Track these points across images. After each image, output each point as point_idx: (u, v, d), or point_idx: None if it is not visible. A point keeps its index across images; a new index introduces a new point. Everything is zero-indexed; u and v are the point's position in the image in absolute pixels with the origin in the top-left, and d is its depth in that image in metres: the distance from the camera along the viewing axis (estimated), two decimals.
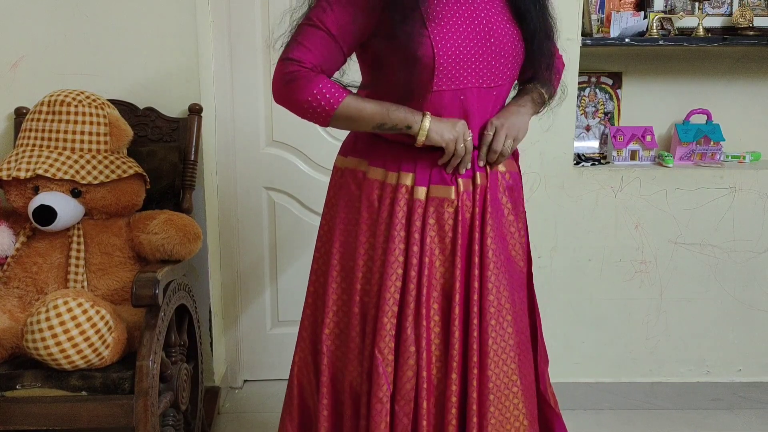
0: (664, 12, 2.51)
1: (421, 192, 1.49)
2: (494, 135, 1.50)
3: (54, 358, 1.66)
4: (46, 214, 1.91)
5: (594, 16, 2.50)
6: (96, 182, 1.96)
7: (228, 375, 2.66)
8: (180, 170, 2.21)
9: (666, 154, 2.50)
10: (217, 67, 2.47)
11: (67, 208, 1.95)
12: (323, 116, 1.43)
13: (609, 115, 2.62)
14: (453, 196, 1.49)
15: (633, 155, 2.51)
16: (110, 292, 2.00)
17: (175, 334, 1.97)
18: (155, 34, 2.28)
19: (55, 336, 1.64)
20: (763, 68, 2.58)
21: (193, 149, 2.24)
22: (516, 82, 1.59)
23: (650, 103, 2.61)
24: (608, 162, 2.52)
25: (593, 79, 2.59)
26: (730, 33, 2.46)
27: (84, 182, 1.96)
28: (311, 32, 1.42)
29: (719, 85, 2.59)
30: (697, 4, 2.43)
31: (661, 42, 2.37)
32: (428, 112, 1.44)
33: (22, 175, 1.94)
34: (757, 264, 2.45)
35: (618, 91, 2.60)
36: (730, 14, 2.51)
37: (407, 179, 1.50)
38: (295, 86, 1.41)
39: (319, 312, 1.63)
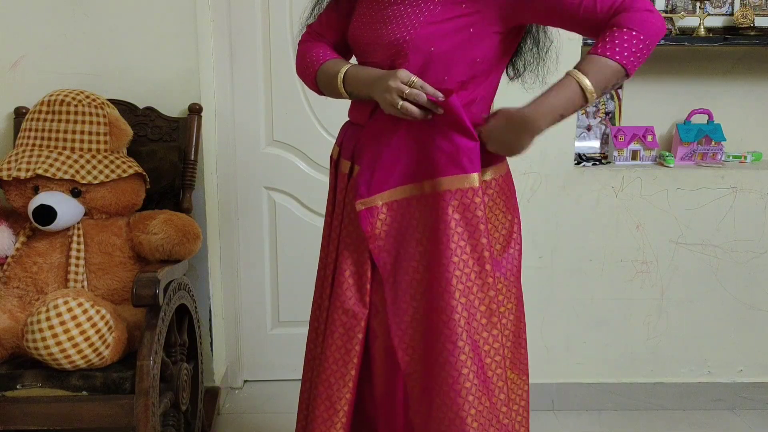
0: (665, 12, 2.51)
1: (345, 166, 1.54)
2: None
3: (54, 357, 1.65)
4: (46, 213, 1.90)
5: None
6: (96, 182, 1.96)
7: (228, 375, 2.66)
8: (180, 170, 2.20)
9: (667, 154, 2.50)
10: (217, 67, 2.46)
11: (67, 208, 1.95)
12: (311, 74, 1.54)
13: (610, 114, 2.61)
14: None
15: (634, 155, 2.51)
16: (110, 292, 1.99)
17: (176, 334, 1.97)
18: (155, 34, 2.28)
19: (55, 336, 1.64)
20: (765, 68, 2.57)
21: (193, 149, 2.24)
22: None
23: (651, 102, 2.60)
24: (609, 162, 2.51)
25: None
26: (731, 33, 2.46)
27: (84, 182, 1.95)
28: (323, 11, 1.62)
29: (720, 85, 2.59)
30: (698, 3, 2.42)
31: (662, 42, 2.36)
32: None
33: (22, 175, 1.93)
34: (758, 264, 2.45)
35: (619, 90, 2.60)
36: (732, 14, 2.51)
37: (335, 152, 1.60)
38: (299, 48, 1.60)
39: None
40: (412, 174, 1.42)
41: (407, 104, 1.33)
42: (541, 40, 1.50)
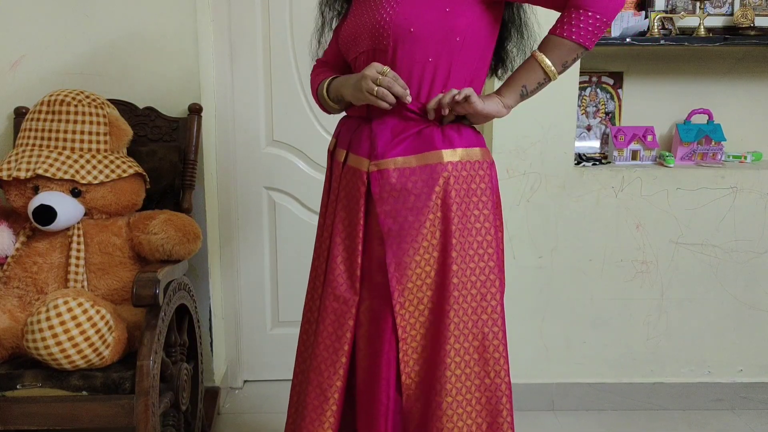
0: (666, 12, 2.51)
1: (340, 154, 1.58)
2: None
3: (54, 357, 1.65)
4: (46, 213, 1.90)
5: None
6: (96, 182, 1.96)
7: (228, 375, 2.66)
8: (180, 170, 2.20)
9: (667, 154, 2.50)
10: (217, 67, 2.47)
11: (67, 208, 1.94)
12: (314, 95, 1.65)
13: (610, 114, 2.61)
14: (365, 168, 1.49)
15: (634, 155, 2.51)
16: (110, 292, 1.99)
17: (176, 334, 1.97)
18: (155, 34, 2.28)
19: (55, 336, 1.64)
20: (765, 68, 2.58)
21: (193, 149, 2.24)
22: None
23: (651, 102, 2.60)
24: (609, 162, 2.51)
25: (594, 79, 2.58)
26: (731, 33, 2.46)
27: (84, 182, 1.95)
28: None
29: (720, 85, 2.59)
30: (698, 3, 2.42)
31: (662, 42, 2.37)
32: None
33: (22, 175, 1.93)
34: (758, 264, 2.45)
35: (619, 90, 2.60)
36: (732, 14, 2.51)
37: (332, 144, 1.63)
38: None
39: None
40: (421, 146, 1.47)
41: (383, 90, 1.40)
42: (524, 35, 1.58)
